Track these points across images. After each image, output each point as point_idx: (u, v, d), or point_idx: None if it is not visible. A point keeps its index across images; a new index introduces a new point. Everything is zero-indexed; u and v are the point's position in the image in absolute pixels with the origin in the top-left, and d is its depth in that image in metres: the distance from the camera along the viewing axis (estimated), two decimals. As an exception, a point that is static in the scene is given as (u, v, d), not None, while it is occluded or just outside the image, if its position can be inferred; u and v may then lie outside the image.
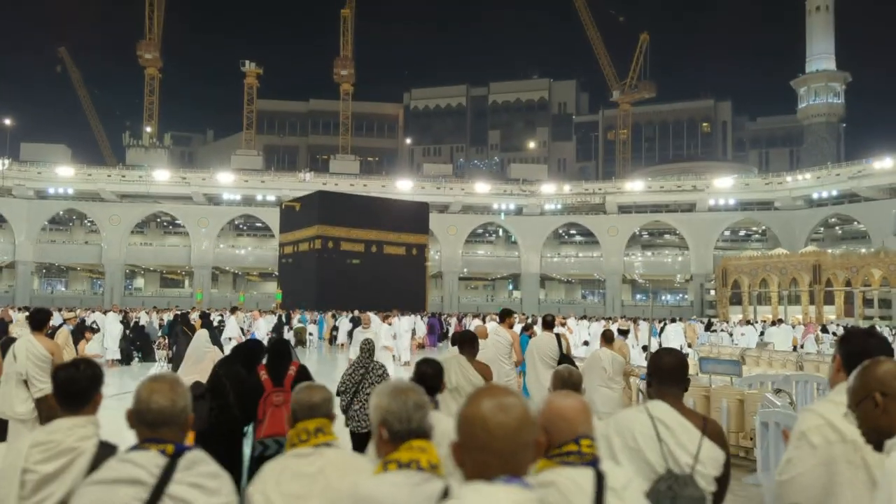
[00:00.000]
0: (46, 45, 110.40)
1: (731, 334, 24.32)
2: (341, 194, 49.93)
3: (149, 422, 2.19)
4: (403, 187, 61.75)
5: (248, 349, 5.90)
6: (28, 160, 60.16)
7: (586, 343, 21.00)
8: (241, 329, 20.55)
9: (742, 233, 65.30)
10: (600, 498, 2.00)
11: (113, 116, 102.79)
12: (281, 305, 38.33)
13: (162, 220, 64.65)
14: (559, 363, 7.16)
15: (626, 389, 9.60)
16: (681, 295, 65.92)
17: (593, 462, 2.10)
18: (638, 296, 68.44)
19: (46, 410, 6.32)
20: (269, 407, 4.90)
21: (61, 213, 61.18)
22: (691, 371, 12.18)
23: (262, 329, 21.33)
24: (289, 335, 26.15)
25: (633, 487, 2.16)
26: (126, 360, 19.64)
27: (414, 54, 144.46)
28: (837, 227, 60.44)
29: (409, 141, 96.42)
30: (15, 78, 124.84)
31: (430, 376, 3.70)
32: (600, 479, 2.04)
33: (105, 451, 2.49)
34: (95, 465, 2.38)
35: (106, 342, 18.43)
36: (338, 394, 7.08)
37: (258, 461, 4.86)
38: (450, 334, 24.29)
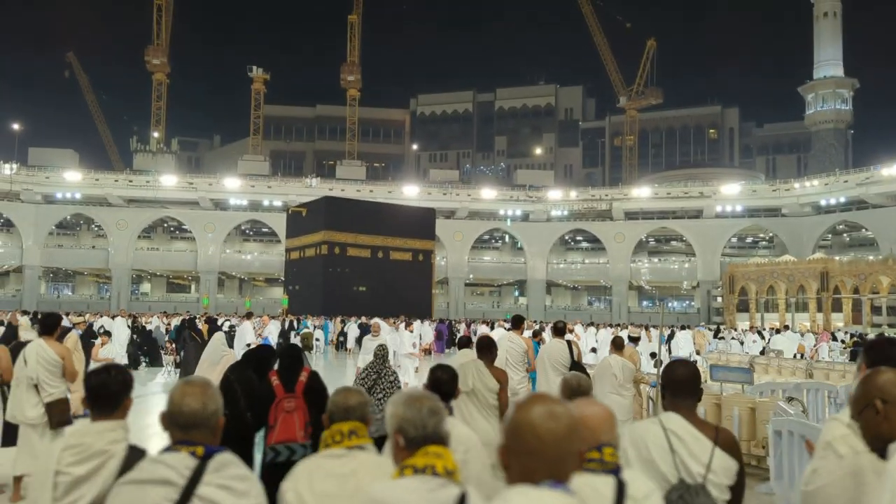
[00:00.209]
0: (55, 51, 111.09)
1: (742, 342, 24.17)
2: (348, 200, 49.97)
3: (180, 424, 2.25)
4: (410, 193, 61.80)
5: (260, 355, 5.88)
6: (36, 165, 60.40)
7: (594, 350, 20.92)
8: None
9: (749, 239, 65.10)
10: None
11: (121, 121, 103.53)
12: (288, 311, 38.34)
13: (169, 225, 64.82)
14: (570, 370, 7.11)
15: (637, 397, 9.55)
16: (687, 302, 65.73)
17: (615, 470, 2.13)
18: (644, 302, 68.29)
19: (57, 415, 6.32)
20: (281, 413, 4.87)
21: (69, 217, 61.37)
22: (702, 378, 12.08)
23: (275, 334, 21.44)
24: (295, 340, 26.11)
25: (654, 499, 2.17)
26: (133, 364, 19.66)
27: (421, 60, 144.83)
28: (845, 234, 60.20)
29: (415, 147, 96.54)
30: (23, 83, 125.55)
31: (444, 382, 3.69)
32: (621, 488, 2.07)
33: (134, 454, 2.57)
34: (125, 468, 2.46)
35: (114, 346, 18.45)
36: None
37: (269, 467, 4.84)
38: (457, 340, 24.27)
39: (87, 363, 13.48)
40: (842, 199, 55.55)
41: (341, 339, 30.99)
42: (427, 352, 27.41)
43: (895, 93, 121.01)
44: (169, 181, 60.93)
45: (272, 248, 62.71)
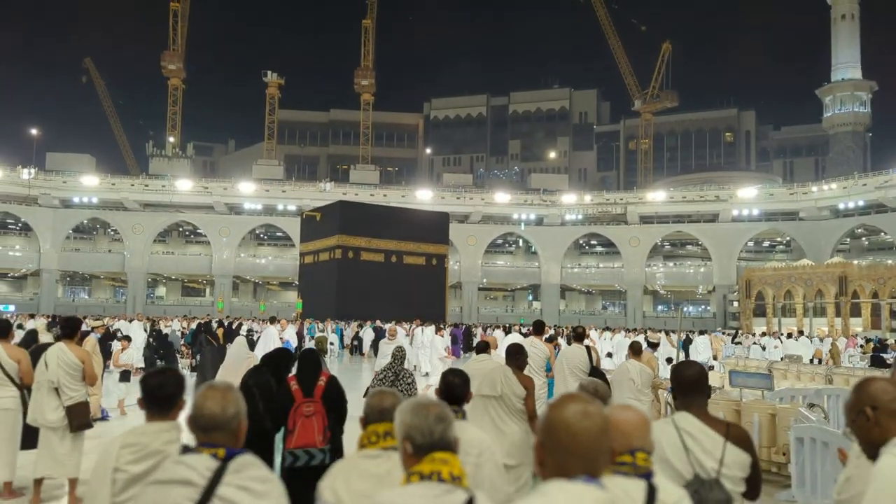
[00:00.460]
0: (72, 57, 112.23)
1: (763, 347, 23.93)
2: (362, 204, 50.06)
3: (202, 427, 2.31)
4: (423, 197, 61.84)
5: (277, 357, 5.87)
6: (54, 169, 61.08)
7: (609, 355, 20.82)
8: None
9: (766, 243, 64.60)
10: None
11: (137, 126, 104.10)
12: (301, 315, 38.44)
13: (184, 229, 65.25)
14: (589, 376, 7.07)
15: (655, 402, 9.47)
16: (703, 306, 65.30)
17: (647, 475, 2.18)
18: (659, 307, 67.93)
19: (77, 418, 6.34)
20: (300, 417, 4.87)
21: (85, 221, 61.95)
22: (720, 384, 12.01)
23: (294, 337, 21.63)
24: (309, 344, 26.16)
25: None
26: (149, 368, 19.74)
27: (434, 64, 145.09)
28: (864, 238, 59.64)
29: (428, 151, 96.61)
30: (41, 88, 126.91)
31: (457, 386, 3.70)
32: (651, 492, 2.12)
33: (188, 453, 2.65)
34: None
35: (132, 351, 18.58)
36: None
37: (288, 472, 4.83)
38: (475, 345, 24.26)
39: (105, 367, 13.57)
40: (860, 203, 55.03)
41: (355, 343, 31.02)
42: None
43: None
44: (184, 185, 61.34)
45: (286, 252, 62.94)
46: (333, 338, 30.27)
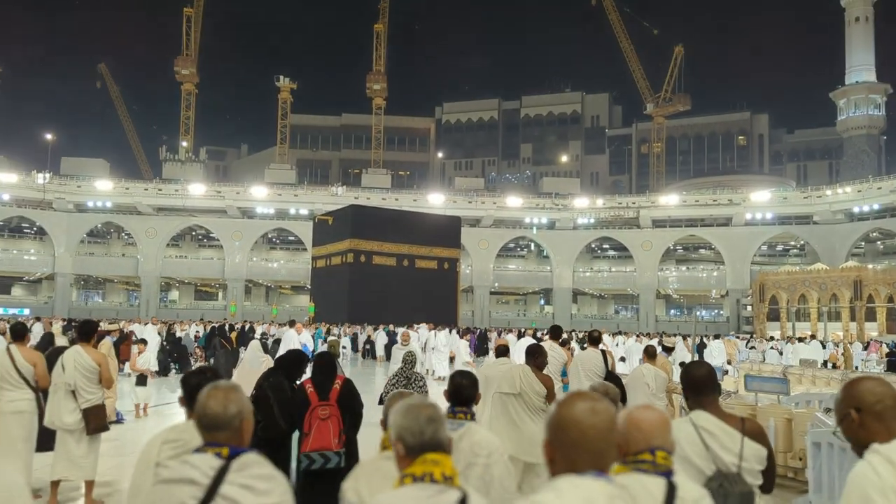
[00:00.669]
0: (87, 62, 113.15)
1: (780, 352, 23.78)
2: (374, 208, 50.12)
3: (205, 426, 2.34)
4: (435, 201, 61.88)
5: (290, 360, 5.88)
6: (68, 174, 61.52)
7: (622, 359, 20.71)
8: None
9: (780, 247, 64.17)
10: None
11: (150, 131, 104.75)
12: (314, 318, 38.54)
13: (197, 233, 65.58)
14: (605, 379, 7.07)
15: (669, 406, 9.42)
16: (716, 311, 64.94)
17: (667, 473, 2.22)
18: (672, 311, 67.60)
19: (94, 420, 6.38)
20: (315, 420, 4.87)
21: (99, 226, 62.36)
22: (734, 388, 11.94)
23: (310, 341, 21.80)
24: (322, 348, 26.23)
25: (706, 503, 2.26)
26: (163, 371, 19.85)
27: (446, 68, 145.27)
28: (879, 242, 59.11)
29: (440, 155, 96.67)
30: (56, 94, 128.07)
31: (465, 387, 3.71)
32: (671, 490, 2.16)
33: None
34: None
35: (148, 355, 18.71)
36: (380, 402, 7.20)
37: (304, 475, 4.83)
38: (490, 348, 24.45)
39: (120, 370, 13.64)
40: (875, 206, 54.57)
41: (367, 346, 31.05)
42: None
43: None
44: (197, 190, 61.66)
45: (298, 256, 63.12)
46: (346, 342, 30.38)
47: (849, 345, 27.99)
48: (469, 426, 3.32)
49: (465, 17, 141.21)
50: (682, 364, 16.68)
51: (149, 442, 2.99)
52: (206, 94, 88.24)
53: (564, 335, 20.00)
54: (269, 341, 23.90)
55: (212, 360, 19.10)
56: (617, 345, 24.95)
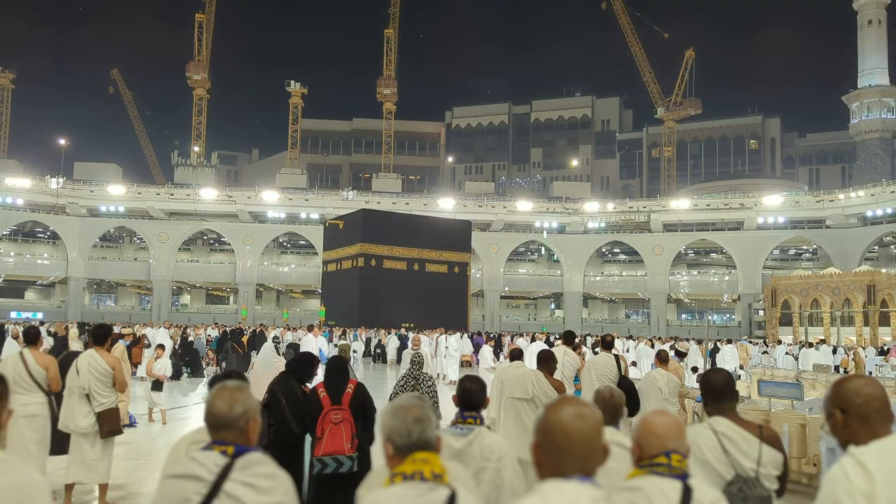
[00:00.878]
0: (100, 68, 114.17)
1: (796, 357, 23.63)
2: (384, 213, 50.20)
3: (211, 425, 2.39)
4: (445, 205, 61.92)
5: (301, 362, 5.89)
6: (81, 179, 61.98)
7: (633, 364, 20.63)
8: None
9: (792, 252, 63.77)
10: None
11: (162, 136, 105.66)
12: (325, 322, 38.62)
13: (208, 237, 65.87)
14: (618, 385, 7.05)
15: (681, 412, 9.37)
16: (728, 315, 64.58)
17: (682, 476, 2.24)
18: (683, 315, 67.29)
19: (107, 424, 6.41)
20: (328, 425, 4.87)
21: (112, 230, 62.77)
22: (747, 393, 11.86)
23: (326, 344, 21.93)
24: (333, 351, 26.26)
25: None
26: (176, 375, 19.92)
27: (456, 73, 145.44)
28: (893, 246, 58.67)
29: (450, 159, 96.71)
30: (70, 99, 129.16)
31: (474, 392, 3.70)
32: (687, 492, 2.18)
33: None
34: None
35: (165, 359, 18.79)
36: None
37: (317, 479, 4.84)
38: (504, 352, 24.47)
39: (133, 373, 13.69)
40: (888, 210, 54.15)
41: (378, 350, 31.06)
42: (468, 364, 27.34)
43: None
44: (209, 194, 61.96)
45: (309, 260, 63.29)
46: (357, 346, 30.42)
47: (861, 349, 27.77)
48: (479, 431, 3.32)
49: (475, 21, 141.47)
50: (694, 369, 16.65)
51: (177, 442, 3.06)
52: (218, 100, 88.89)
53: (577, 339, 19.98)
54: (283, 346, 23.95)
55: (224, 364, 19.15)
56: (627, 350, 24.86)
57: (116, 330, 19.26)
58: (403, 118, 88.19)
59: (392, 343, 28.68)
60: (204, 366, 22.13)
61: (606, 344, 8.13)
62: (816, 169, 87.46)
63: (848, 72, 75.08)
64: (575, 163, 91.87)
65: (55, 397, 6.47)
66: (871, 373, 20.14)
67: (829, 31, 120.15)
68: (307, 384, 5.56)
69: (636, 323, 63.19)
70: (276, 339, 22.20)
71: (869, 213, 55.51)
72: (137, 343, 18.11)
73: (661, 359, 8.28)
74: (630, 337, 31.82)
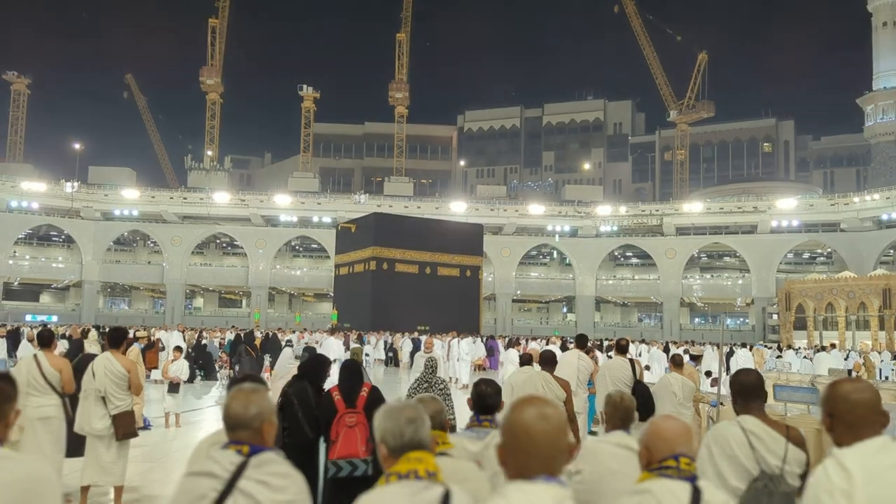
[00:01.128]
0: (114, 73, 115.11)
1: (812, 360, 23.45)
2: (396, 216, 50.25)
3: (228, 425, 2.45)
4: (457, 209, 61.94)
5: (313, 364, 5.88)
6: (96, 183, 62.49)
7: (647, 367, 20.52)
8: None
9: (806, 255, 63.33)
10: None
11: (176, 140, 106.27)
12: (337, 326, 38.68)
13: (221, 241, 66.20)
14: (634, 389, 7.02)
15: (696, 416, 9.29)
16: (741, 319, 64.17)
17: (691, 478, 2.27)
18: (696, 319, 66.91)
19: (123, 426, 6.44)
20: (343, 428, 4.87)
21: (126, 234, 63.22)
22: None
23: (340, 349, 22.02)
24: (345, 355, 26.30)
25: None
26: (189, 378, 19.99)
27: (468, 76, 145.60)
28: (908, 250, 58.12)
29: (462, 163, 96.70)
30: (84, 104, 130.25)
31: (489, 395, 3.72)
32: (697, 494, 2.21)
33: None
34: None
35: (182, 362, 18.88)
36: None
37: (331, 482, 4.84)
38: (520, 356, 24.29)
39: (147, 376, 13.74)
40: (904, 214, 53.70)
41: (390, 354, 31.08)
42: (481, 367, 27.32)
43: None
44: (221, 198, 62.29)
45: (321, 263, 63.46)
46: (368, 349, 30.44)
47: (874, 353, 27.51)
48: (495, 434, 3.32)
49: (486, 25, 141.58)
50: (708, 373, 16.53)
51: (199, 442, 3.15)
52: (231, 104, 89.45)
53: (589, 343, 19.92)
54: (298, 349, 24.01)
55: (237, 367, 19.20)
56: (640, 354, 24.72)
57: (131, 334, 19.40)
58: (415, 122, 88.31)
59: (406, 346, 28.69)
60: (217, 369, 22.21)
61: (621, 348, 8.09)
62: (831, 172, 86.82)
63: (862, 74, 74.60)
64: (587, 166, 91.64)
65: (70, 399, 6.51)
66: (887, 378, 19.95)
67: (843, 33, 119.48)
68: (321, 386, 5.56)
69: (649, 327, 62.89)
70: (289, 343, 22.26)
71: (884, 217, 55.05)
72: (152, 346, 18.18)
73: (676, 363, 8.23)
74: (643, 341, 31.64)
